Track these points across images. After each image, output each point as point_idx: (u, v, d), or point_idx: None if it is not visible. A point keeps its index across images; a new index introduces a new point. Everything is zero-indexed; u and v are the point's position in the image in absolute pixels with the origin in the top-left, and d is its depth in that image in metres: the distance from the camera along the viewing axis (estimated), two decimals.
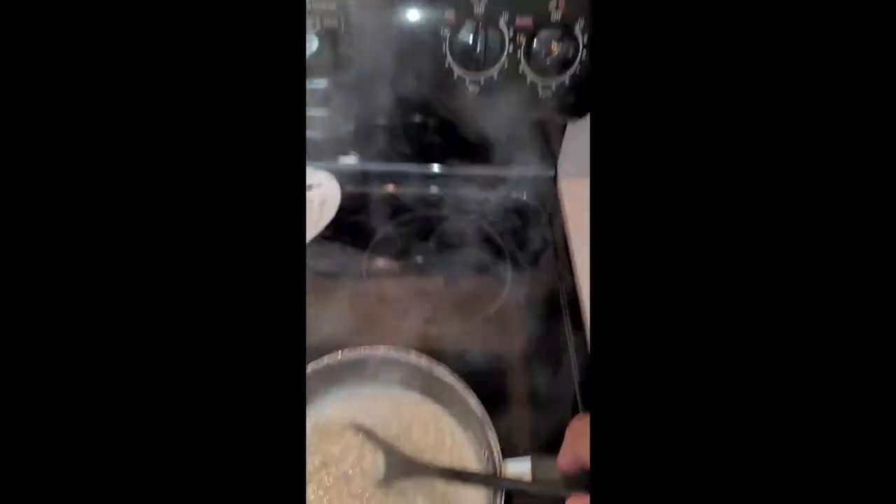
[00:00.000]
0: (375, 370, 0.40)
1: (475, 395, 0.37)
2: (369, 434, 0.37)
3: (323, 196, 0.56)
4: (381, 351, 0.40)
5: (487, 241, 0.55)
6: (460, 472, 0.36)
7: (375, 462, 0.36)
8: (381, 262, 0.53)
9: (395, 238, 0.55)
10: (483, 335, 0.47)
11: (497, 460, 0.34)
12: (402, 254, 0.54)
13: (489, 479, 0.35)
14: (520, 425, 0.40)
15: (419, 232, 0.55)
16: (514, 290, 0.51)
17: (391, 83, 0.48)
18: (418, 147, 0.58)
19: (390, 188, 0.59)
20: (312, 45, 0.47)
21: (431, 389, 0.40)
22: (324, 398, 0.40)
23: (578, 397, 0.43)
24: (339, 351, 0.39)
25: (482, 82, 0.48)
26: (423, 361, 0.39)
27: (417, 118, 0.53)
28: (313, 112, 0.53)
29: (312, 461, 0.37)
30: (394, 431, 0.39)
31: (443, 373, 0.38)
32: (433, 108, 0.50)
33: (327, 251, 0.53)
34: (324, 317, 0.48)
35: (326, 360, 0.39)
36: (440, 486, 0.36)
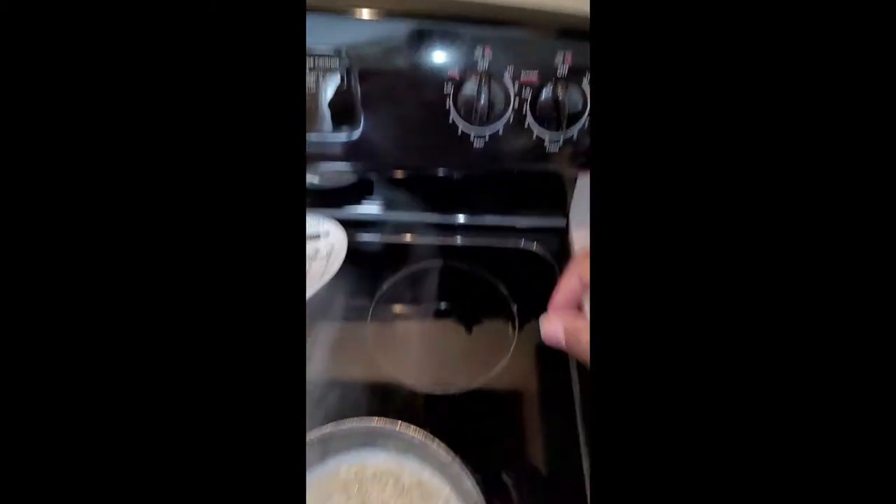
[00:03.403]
0: (372, 438, 0.39)
1: (471, 477, 0.35)
2: None
3: (330, 246, 0.56)
4: (377, 423, 0.38)
5: (494, 292, 0.53)
6: None
7: None
8: (387, 313, 0.52)
9: (401, 289, 0.54)
10: (487, 397, 0.46)
11: None
12: (408, 304, 0.53)
13: None
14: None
15: (427, 283, 0.54)
16: (520, 346, 0.49)
17: (396, 137, 0.48)
18: (426, 197, 0.57)
19: (398, 238, 0.58)
20: (327, 93, 0.47)
21: (430, 460, 0.39)
22: (320, 465, 0.39)
23: (586, 472, 0.40)
24: (333, 422, 0.38)
25: (487, 137, 0.46)
26: (418, 437, 0.37)
27: (424, 171, 0.52)
28: (322, 166, 0.53)
29: None
30: (389, 501, 0.37)
31: (437, 450, 0.37)
32: (439, 161, 0.49)
33: (334, 301, 0.52)
34: (327, 362, 0.47)
35: (319, 432, 0.38)
36: None
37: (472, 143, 0.47)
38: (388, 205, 0.58)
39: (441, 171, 0.50)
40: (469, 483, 0.35)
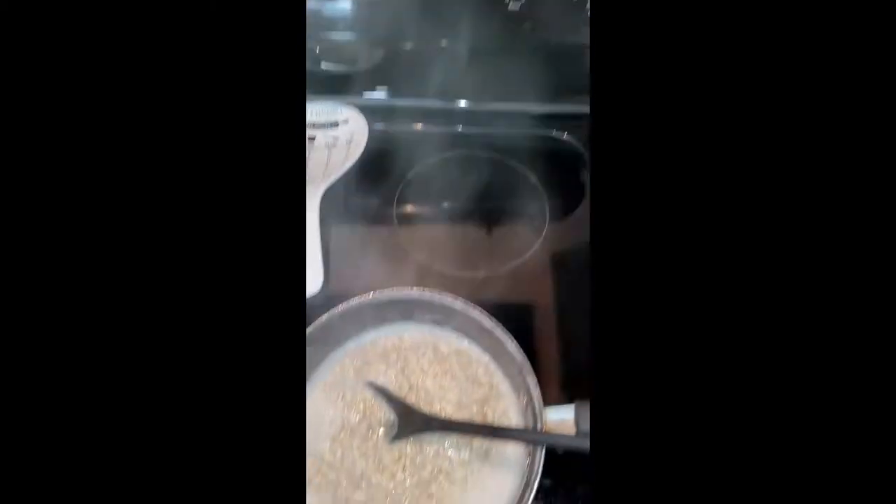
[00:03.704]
0: (409, 310, 0.39)
1: (514, 340, 0.35)
2: (380, 391, 0.35)
3: (350, 133, 0.53)
4: (415, 292, 0.38)
5: (524, 183, 0.51)
6: (482, 426, 0.34)
7: (387, 418, 0.35)
8: (411, 206, 0.51)
9: (425, 180, 0.52)
10: (519, 282, 0.45)
11: (538, 408, 0.33)
12: (433, 196, 0.51)
13: (520, 434, 0.34)
14: (557, 374, 0.38)
15: (451, 173, 0.52)
16: (551, 235, 0.47)
17: (421, 1, 0.44)
18: (450, 80, 0.53)
19: (420, 126, 0.55)
20: None
21: (469, 331, 0.38)
22: (358, 335, 0.39)
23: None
24: (371, 292, 0.37)
25: None
26: (459, 303, 0.37)
27: (450, 45, 0.48)
28: (337, 36, 0.49)
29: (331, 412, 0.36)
30: (428, 368, 0.37)
31: (479, 315, 0.36)
32: (468, 32, 0.46)
33: (354, 193, 0.50)
34: (351, 262, 0.46)
35: (357, 300, 0.37)
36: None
37: (507, 5, 0.43)
38: (409, 91, 0.55)
39: (471, 42, 0.47)
40: (512, 346, 0.35)
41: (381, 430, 0.35)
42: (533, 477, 0.30)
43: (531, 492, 0.30)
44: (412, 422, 0.34)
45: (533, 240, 0.47)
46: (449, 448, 0.34)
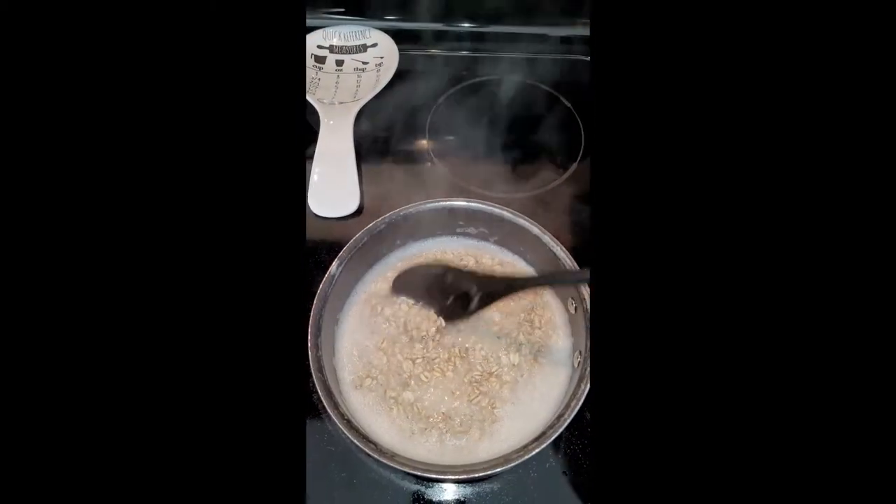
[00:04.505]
0: (452, 225, 0.38)
1: (562, 245, 0.35)
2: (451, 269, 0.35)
3: (380, 57, 0.52)
4: (461, 202, 0.37)
5: (556, 104, 0.50)
6: (529, 278, 0.36)
7: (432, 326, 0.36)
8: (444, 127, 0.49)
9: (458, 103, 0.51)
10: (558, 198, 0.45)
11: (588, 308, 0.33)
12: (467, 121, 0.50)
13: (569, 276, 0.35)
14: None
15: (485, 102, 0.51)
16: (589, 152, 0.47)
17: None
18: (477, 7, 0.52)
19: (448, 51, 0.54)
20: None
21: (511, 245, 0.38)
22: (400, 250, 0.39)
23: None
24: (421, 202, 0.37)
25: None
26: (507, 213, 0.37)
27: None
28: None
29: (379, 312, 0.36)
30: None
31: (527, 223, 0.36)
32: None
33: (386, 118, 0.49)
34: (385, 185, 0.45)
35: (406, 210, 0.37)
36: (524, 337, 0.35)
37: None
38: (437, 16, 0.53)
39: None
40: (560, 251, 0.35)
41: (427, 335, 0.35)
42: (586, 370, 0.31)
43: (585, 384, 0.31)
44: (457, 307, 0.34)
45: (572, 157, 0.47)
46: (498, 352, 0.35)
